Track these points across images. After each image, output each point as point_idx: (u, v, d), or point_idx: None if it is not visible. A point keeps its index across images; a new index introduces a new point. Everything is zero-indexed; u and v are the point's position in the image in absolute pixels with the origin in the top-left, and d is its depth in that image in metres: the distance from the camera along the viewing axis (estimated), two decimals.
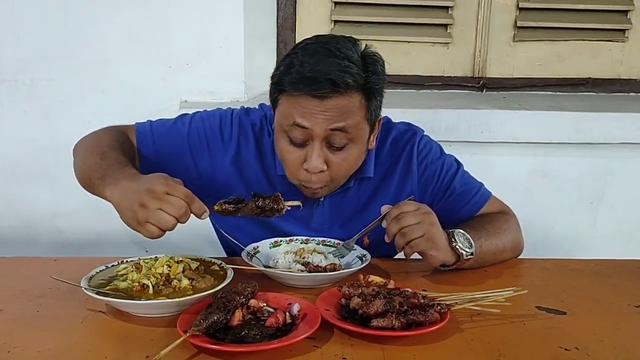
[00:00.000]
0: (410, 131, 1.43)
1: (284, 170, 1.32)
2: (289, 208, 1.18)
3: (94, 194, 1.19)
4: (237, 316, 0.96)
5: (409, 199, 1.25)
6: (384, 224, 1.20)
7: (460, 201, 1.41)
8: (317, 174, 1.25)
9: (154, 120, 1.43)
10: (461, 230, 1.24)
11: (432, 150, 1.43)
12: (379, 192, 1.39)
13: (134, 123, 1.42)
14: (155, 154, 1.37)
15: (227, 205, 1.14)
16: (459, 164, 1.45)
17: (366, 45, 1.25)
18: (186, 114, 1.43)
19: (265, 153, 1.39)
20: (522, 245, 1.41)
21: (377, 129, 1.33)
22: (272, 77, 1.26)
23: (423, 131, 1.46)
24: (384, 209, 1.21)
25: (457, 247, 1.22)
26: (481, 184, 1.46)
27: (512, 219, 1.42)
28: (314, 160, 1.22)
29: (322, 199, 1.38)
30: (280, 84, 1.22)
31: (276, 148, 1.30)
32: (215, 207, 1.13)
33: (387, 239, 1.19)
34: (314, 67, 1.17)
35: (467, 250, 1.22)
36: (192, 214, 1.06)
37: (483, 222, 1.35)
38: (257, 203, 1.15)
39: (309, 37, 1.27)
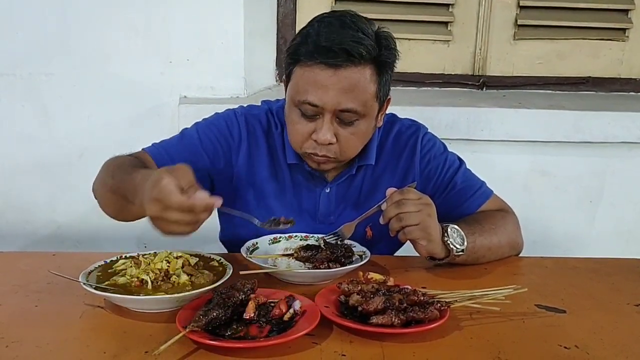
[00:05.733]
0: (414, 126, 1.45)
1: (289, 140, 1.32)
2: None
3: (133, 217, 1.18)
4: (251, 307, 0.97)
5: (411, 185, 1.26)
6: (383, 207, 1.21)
7: (461, 197, 1.41)
8: (325, 146, 1.26)
9: (156, 142, 1.38)
10: (455, 226, 1.25)
11: (436, 146, 1.45)
12: (381, 185, 1.39)
13: (140, 149, 1.35)
14: None
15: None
16: (461, 161, 1.46)
17: (379, 27, 1.27)
18: (186, 128, 1.41)
19: (275, 146, 1.40)
20: (521, 243, 1.42)
21: (386, 108, 1.36)
22: (288, 49, 1.28)
23: (427, 128, 1.47)
24: (389, 191, 1.21)
25: (448, 242, 1.22)
26: (483, 182, 1.46)
27: (511, 216, 1.43)
28: (323, 132, 1.24)
29: (327, 190, 1.39)
30: (295, 54, 1.24)
31: (286, 118, 1.32)
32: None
33: (382, 221, 1.20)
34: (330, 37, 1.19)
35: (458, 246, 1.23)
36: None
37: (479, 218, 1.36)
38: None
39: (324, 12, 1.30)
